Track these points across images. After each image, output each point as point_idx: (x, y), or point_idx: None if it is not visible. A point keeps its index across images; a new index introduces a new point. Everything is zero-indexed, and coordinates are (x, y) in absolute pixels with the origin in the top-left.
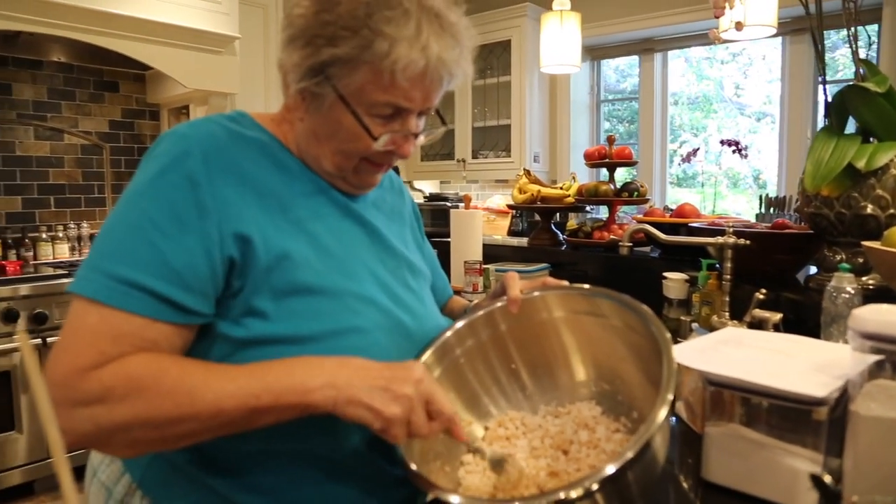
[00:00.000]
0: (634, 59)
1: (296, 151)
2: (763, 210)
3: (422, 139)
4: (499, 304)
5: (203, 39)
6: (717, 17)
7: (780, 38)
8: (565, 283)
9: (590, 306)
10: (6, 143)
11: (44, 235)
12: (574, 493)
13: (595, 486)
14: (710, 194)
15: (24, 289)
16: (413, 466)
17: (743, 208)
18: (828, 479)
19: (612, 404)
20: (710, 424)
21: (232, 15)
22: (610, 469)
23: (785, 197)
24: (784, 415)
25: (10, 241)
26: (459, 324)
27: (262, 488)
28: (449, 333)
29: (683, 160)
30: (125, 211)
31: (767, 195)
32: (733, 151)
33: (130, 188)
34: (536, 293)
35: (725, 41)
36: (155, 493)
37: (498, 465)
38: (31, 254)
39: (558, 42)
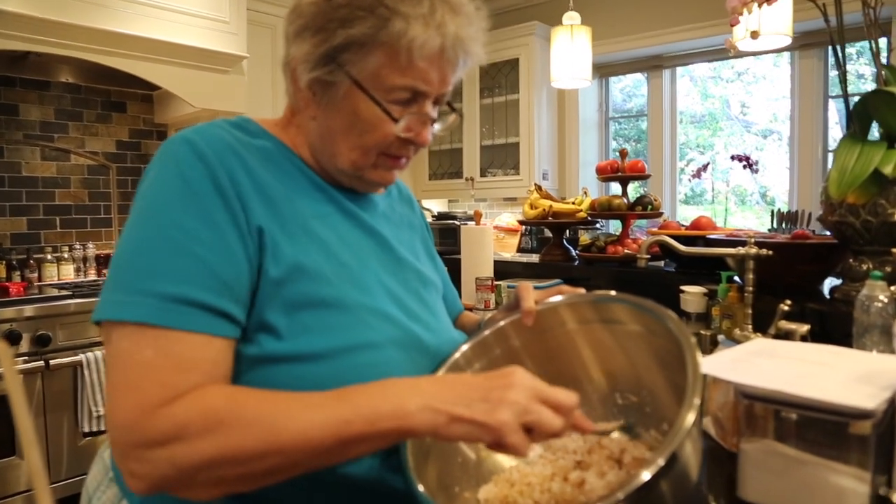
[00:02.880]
0: (640, 79)
1: (307, 156)
2: (774, 225)
3: (438, 126)
4: (505, 320)
5: (211, 59)
6: (732, 25)
7: (787, 54)
8: (581, 290)
9: (603, 313)
10: (12, 163)
11: (49, 256)
12: None
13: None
14: (719, 211)
15: (27, 310)
16: (421, 488)
17: (752, 224)
18: None
19: (640, 417)
20: (745, 441)
21: (240, 35)
22: (643, 478)
23: (797, 212)
24: (824, 429)
25: (14, 262)
26: (467, 344)
27: None
28: (457, 354)
29: (694, 176)
30: (154, 226)
31: (779, 210)
32: (744, 167)
33: (150, 202)
34: (542, 306)
35: (741, 51)
36: None
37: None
38: (35, 275)
39: (569, 56)
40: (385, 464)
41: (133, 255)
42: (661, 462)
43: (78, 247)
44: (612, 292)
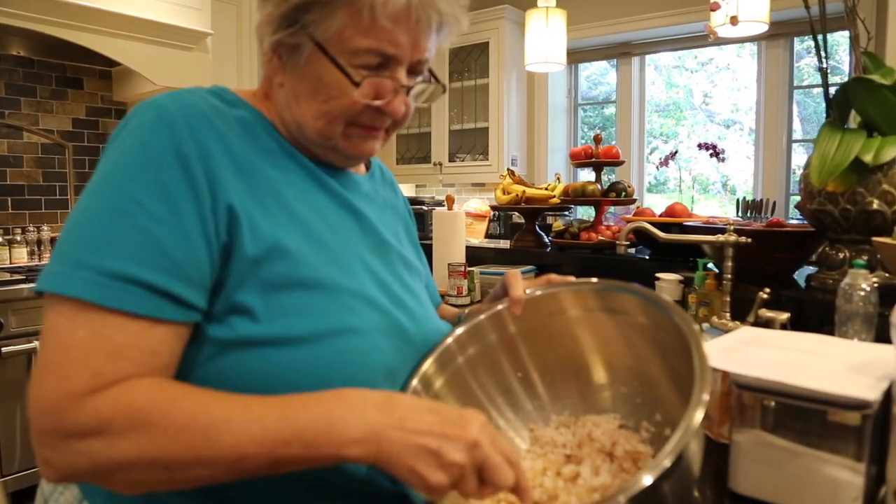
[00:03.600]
0: (606, 66)
1: (281, 127)
2: (739, 214)
3: (416, 92)
4: (503, 305)
5: (174, 35)
6: (712, 11)
7: (750, 45)
8: (571, 278)
9: (609, 303)
10: None
11: (0, 239)
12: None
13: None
14: (684, 199)
15: None
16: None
17: (715, 212)
18: None
19: (631, 408)
20: (736, 431)
21: (204, 11)
22: (647, 480)
23: (761, 200)
24: (818, 420)
25: None
26: (462, 328)
27: None
28: (450, 340)
29: (662, 164)
30: (105, 195)
31: (745, 199)
32: (711, 155)
33: (106, 169)
34: (543, 291)
35: (720, 37)
36: None
37: None
38: None
39: (543, 40)
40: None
41: (80, 225)
42: (667, 464)
43: (31, 229)
44: (603, 280)
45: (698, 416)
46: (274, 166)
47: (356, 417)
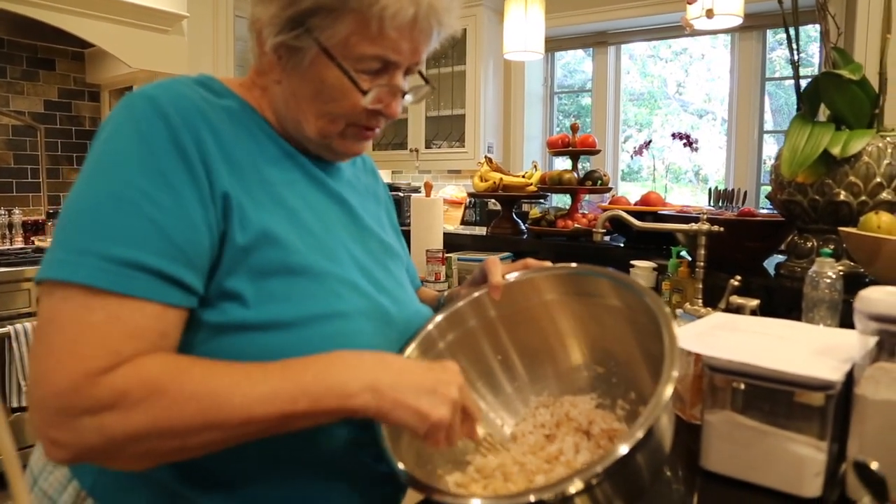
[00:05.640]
0: (582, 55)
1: (271, 119)
2: (711, 203)
3: (409, 98)
4: (479, 292)
5: (149, 17)
6: (689, 3)
7: (723, 36)
8: (548, 263)
9: (584, 287)
10: None
11: None
12: (587, 478)
13: (604, 469)
14: (658, 188)
15: None
16: (401, 466)
17: (687, 201)
18: (875, 465)
19: (607, 387)
20: (708, 412)
21: None
22: (623, 449)
23: (733, 190)
24: (783, 401)
25: None
26: (441, 315)
27: (233, 490)
28: (431, 326)
29: (636, 152)
30: (105, 183)
31: (717, 188)
32: (684, 145)
33: (103, 157)
34: (521, 277)
35: (696, 30)
36: (110, 500)
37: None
38: None
39: (522, 28)
40: (355, 442)
41: (81, 214)
42: (639, 435)
43: (3, 213)
44: (576, 264)
45: (668, 390)
46: (261, 156)
47: (356, 371)
